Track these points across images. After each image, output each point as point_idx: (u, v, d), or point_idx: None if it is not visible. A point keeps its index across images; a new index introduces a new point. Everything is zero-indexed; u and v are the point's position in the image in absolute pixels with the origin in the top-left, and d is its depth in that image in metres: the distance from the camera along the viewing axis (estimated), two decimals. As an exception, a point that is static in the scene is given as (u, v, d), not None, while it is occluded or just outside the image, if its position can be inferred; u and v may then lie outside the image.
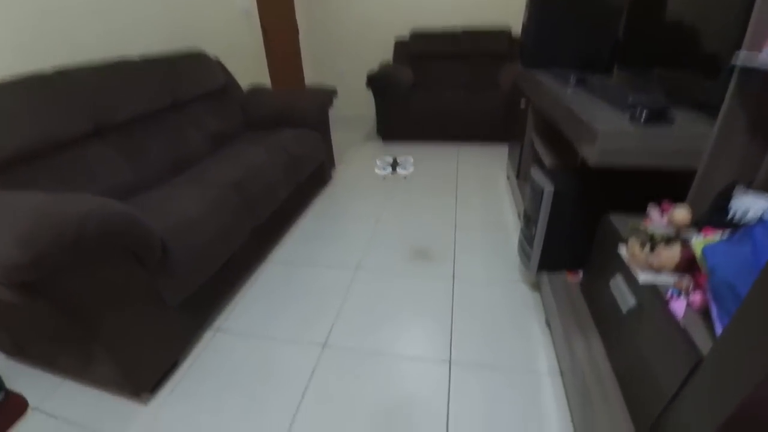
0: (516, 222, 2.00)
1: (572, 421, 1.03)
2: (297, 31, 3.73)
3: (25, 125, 1.26)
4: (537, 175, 1.22)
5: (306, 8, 3.84)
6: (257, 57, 3.06)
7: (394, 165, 1.23)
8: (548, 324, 1.29)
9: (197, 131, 1.96)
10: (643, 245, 0.88)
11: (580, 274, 1.28)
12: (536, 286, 1.50)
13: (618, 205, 1.10)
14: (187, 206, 1.31)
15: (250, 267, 1.71)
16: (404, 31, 3.75)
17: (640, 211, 1.04)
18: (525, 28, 1.97)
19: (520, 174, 2.08)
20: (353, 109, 4.20)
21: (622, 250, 0.96)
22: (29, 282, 0.84)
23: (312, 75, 4.12)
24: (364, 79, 3.19)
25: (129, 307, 1.06)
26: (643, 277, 0.85)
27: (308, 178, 2.17)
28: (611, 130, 0.94)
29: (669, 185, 1.11)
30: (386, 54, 3.85)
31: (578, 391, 0.98)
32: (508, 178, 2.50)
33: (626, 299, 0.90)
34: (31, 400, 1.17)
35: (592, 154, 0.96)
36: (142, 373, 1.12)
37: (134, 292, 1.07)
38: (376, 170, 1.21)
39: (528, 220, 1.31)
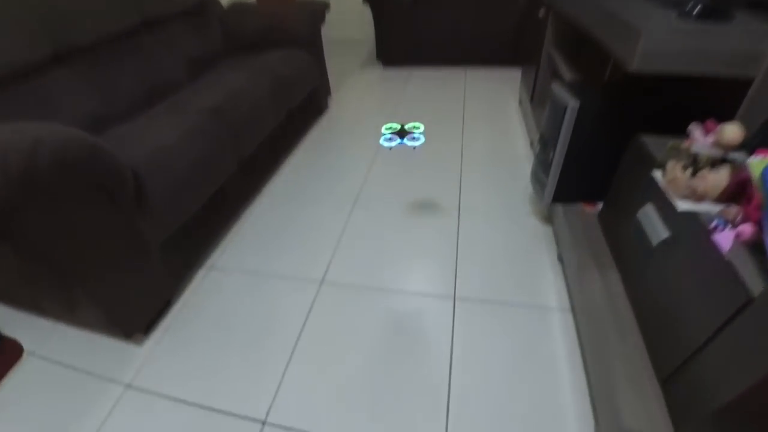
0: (527, 151, 1.85)
1: (584, 360, 0.98)
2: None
3: None
4: (559, 90, 1.05)
5: None
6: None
7: (402, 134, 1.07)
8: (560, 259, 1.21)
9: (172, 55, 1.74)
10: (684, 168, 0.75)
11: (599, 205, 1.16)
12: (548, 219, 1.39)
13: (653, 124, 0.95)
14: (161, 136, 1.17)
15: (242, 202, 1.61)
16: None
17: (678, 131, 0.90)
18: None
19: (534, 97, 1.89)
20: (350, 32, 3.83)
21: (657, 175, 0.83)
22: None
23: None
24: (360, -5, 2.85)
25: (105, 247, 0.98)
26: (683, 205, 0.74)
27: (301, 105, 1.98)
28: (656, 27, 0.77)
29: (714, 100, 0.95)
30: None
31: (592, 331, 0.92)
32: (520, 103, 2.29)
33: (658, 231, 0.79)
34: (26, 345, 1.14)
35: (631, 58, 0.79)
36: (131, 314, 1.07)
37: (109, 230, 0.98)
38: (381, 141, 1.06)
39: (545, 144, 1.17)
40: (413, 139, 1.08)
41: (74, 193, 0.87)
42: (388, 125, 1.15)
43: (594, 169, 1.08)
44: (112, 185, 0.94)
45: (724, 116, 0.84)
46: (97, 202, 0.93)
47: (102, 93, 1.40)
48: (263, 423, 0.91)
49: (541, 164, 1.19)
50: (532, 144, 1.84)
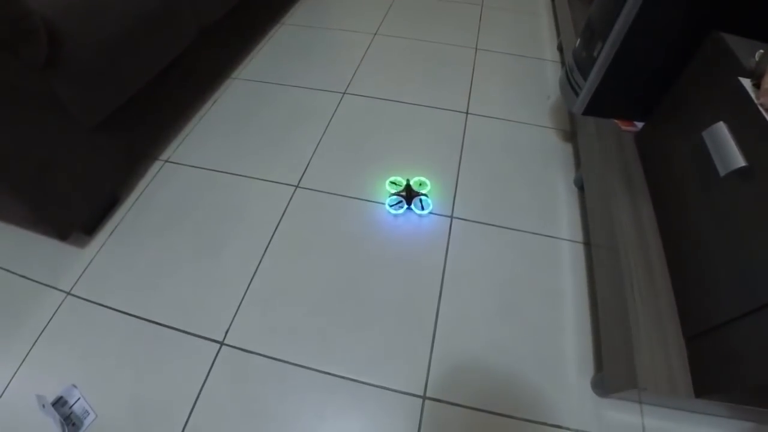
0: (554, 52, 1.55)
1: (594, 300, 0.86)
2: None
3: None
4: (628, -45, 0.76)
5: None
6: None
7: (410, 195, 0.78)
8: (578, 184, 1.03)
9: None
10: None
11: (637, 125, 0.95)
12: (570, 136, 1.18)
13: (736, 22, 0.70)
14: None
15: (207, 84, 1.34)
16: None
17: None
18: None
19: (575, -20, 1.52)
20: None
21: (747, 84, 0.61)
22: None
23: None
24: None
25: (22, 125, 0.76)
26: (784, 124, 0.54)
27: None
28: None
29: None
30: None
31: (609, 268, 0.78)
32: (551, -9, 1.89)
33: (729, 156, 0.60)
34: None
35: None
36: (65, 211, 0.89)
37: (20, 103, 0.75)
38: (387, 207, 0.76)
39: (591, 35, 0.90)
40: (421, 204, 0.84)
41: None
42: (393, 179, 0.89)
43: (649, 76, 0.85)
44: (14, 35, 0.68)
45: None
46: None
47: None
48: (220, 344, 0.80)
49: (580, 63, 0.94)
50: (560, 46, 1.53)
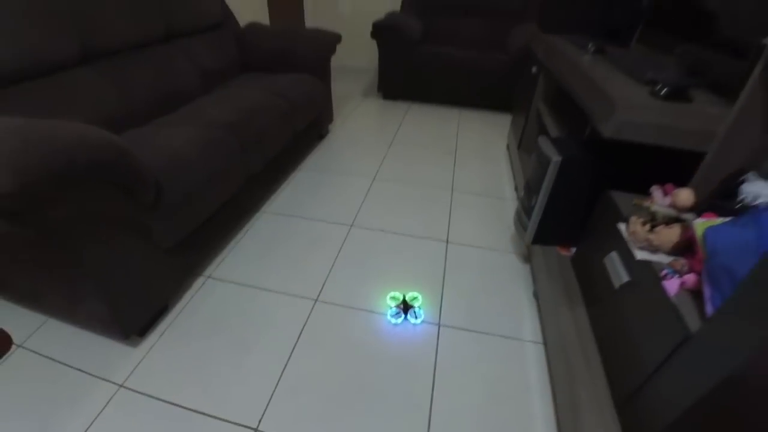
0: (512, 193, 2.00)
1: (552, 387, 1.07)
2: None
3: (2, 44, 1.16)
4: (545, 144, 1.19)
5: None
6: (257, -7, 2.87)
7: (406, 308, 1.21)
8: (536, 296, 1.32)
9: (190, 66, 1.85)
10: (644, 223, 0.88)
11: (573, 250, 1.29)
12: (527, 259, 1.52)
13: (622, 183, 1.09)
14: (181, 145, 1.26)
15: (243, 216, 1.69)
16: (415, -19, 3.53)
17: (642, 190, 1.04)
18: (545, -12, 1.87)
19: (522, 144, 2.05)
20: (353, 59, 4.03)
21: (622, 228, 0.96)
22: (15, 210, 0.81)
23: (311, 17, 3.90)
24: (366, 27, 3.03)
25: (119, 245, 1.04)
26: (641, 254, 0.86)
27: (305, 129, 2.10)
28: (629, 102, 0.92)
29: (674, 167, 1.10)
30: (392, 3, 3.65)
31: (560, 360, 1.02)
32: (508, 147, 2.46)
33: (620, 275, 0.91)
34: (16, 338, 1.16)
35: (607, 125, 0.94)
36: (131, 314, 1.12)
37: (125, 229, 1.05)
38: (389, 317, 1.18)
39: (529, 191, 1.30)
40: (415, 314, 1.22)
41: (100, 191, 0.94)
42: (392, 295, 1.28)
43: (572, 217, 1.21)
44: (136, 187, 1.01)
45: (682, 180, 0.99)
46: (119, 201, 1.00)
47: (121, 95, 1.49)
48: (255, 430, 0.96)
49: (525, 208, 1.32)
50: (516, 188, 1.99)
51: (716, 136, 0.90)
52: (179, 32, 1.85)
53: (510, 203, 1.91)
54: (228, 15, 2.25)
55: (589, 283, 1.10)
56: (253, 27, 2.32)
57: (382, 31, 2.92)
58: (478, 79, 3.01)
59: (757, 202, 0.66)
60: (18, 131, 0.79)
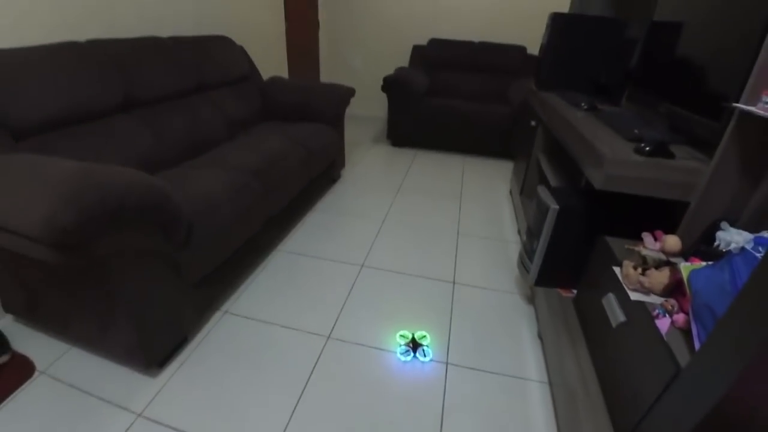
0: (515, 235, 2.08)
1: (557, 426, 1.10)
2: (318, 26, 3.80)
3: (57, 92, 1.31)
4: (544, 193, 1.30)
5: (328, 4, 3.91)
6: (278, 48, 3.13)
7: (415, 346, 1.31)
8: (540, 337, 1.37)
9: (218, 115, 2.02)
10: (636, 267, 0.96)
11: (574, 292, 1.36)
12: (531, 300, 1.58)
13: (617, 228, 1.18)
14: (211, 188, 1.38)
15: (260, 254, 1.78)
16: (421, 41, 3.84)
17: (635, 234, 1.12)
18: (543, 49, 2.06)
19: (524, 190, 2.17)
20: (364, 109, 4.28)
21: (617, 271, 1.04)
22: (66, 243, 0.90)
23: (327, 71, 4.20)
24: (377, 80, 3.27)
25: (150, 278, 1.13)
26: (635, 296, 0.93)
27: (320, 174, 2.23)
28: (617, 158, 1.03)
29: (665, 213, 1.19)
30: (401, 59, 3.94)
31: (565, 399, 1.06)
32: (510, 192, 2.58)
33: (616, 315, 0.98)
34: (38, 364, 1.21)
35: (597, 178, 1.04)
36: (156, 344, 1.18)
37: (157, 264, 1.13)
38: (398, 354, 1.29)
39: (531, 235, 1.39)
40: (423, 353, 1.30)
41: (140, 230, 1.04)
42: (402, 333, 1.37)
43: (570, 261, 1.29)
44: (171, 227, 1.12)
45: (670, 225, 1.08)
46: (154, 239, 1.10)
47: (156, 140, 1.64)
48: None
49: (527, 252, 1.41)
50: (519, 231, 2.08)
51: (697, 188, 1.00)
52: (210, 84, 2.05)
53: (513, 245, 1.99)
54: (253, 69, 2.47)
55: (590, 322, 1.16)
56: (275, 80, 2.54)
57: (391, 84, 3.16)
58: (482, 129, 3.20)
59: (729, 248, 0.74)
60: (78, 173, 0.91)
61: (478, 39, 3.69)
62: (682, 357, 0.75)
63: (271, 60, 3.02)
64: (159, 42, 1.79)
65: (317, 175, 2.17)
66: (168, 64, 1.78)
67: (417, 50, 3.78)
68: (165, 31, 1.95)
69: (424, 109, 3.25)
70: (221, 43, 2.19)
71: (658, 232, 1.08)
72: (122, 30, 1.75)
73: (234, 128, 2.11)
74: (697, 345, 0.74)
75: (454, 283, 1.68)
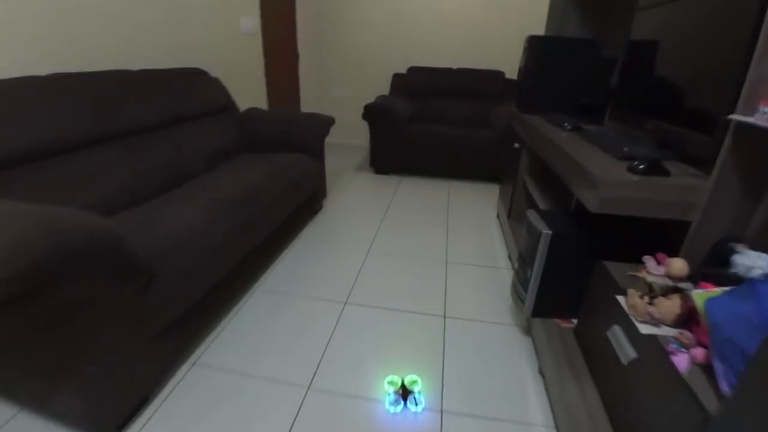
0: (506, 261, 2.00)
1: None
2: (297, 57, 3.80)
3: (21, 126, 1.24)
4: (534, 217, 1.22)
5: (307, 35, 3.93)
6: (257, 80, 3.09)
7: (405, 393, 1.21)
8: (542, 373, 1.26)
9: (196, 148, 1.94)
10: (642, 296, 0.87)
11: (574, 321, 1.26)
12: (528, 331, 1.47)
13: (614, 251, 1.10)
14: (181, 225, 1.27)
15: (235, 295, 1.64)
16: (401, 69, 3.87)
17: (634, 258, 1.04)
18: (522, 72, 2.05)
19: (511, 214, 2.10)
20: (346, 137, 4.25)
21: (621, 300, 0.95)
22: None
23: (308, 101, 4.17)
24: (358, 109, 3.25)
25: (103, 332, 0.99)
26: (645, 329, 0.84)
27: (300, 206, 2.14)
28: (610, 179, 0.96)
29: (664, 233, 1.12)
30: (381, 88, 3.95)
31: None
32: (498, 216, 2.52)
33: (626, 351, 0.88)
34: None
35: (591, 201, 0.97)
36: (110, 408, 1.03)
37: (111, 315, 1.00)
38: (387, 405, 1.18)
39: (523, 263, 1.30)
40: (415, 401, 1.19)
41: (88, 277, 0.92)
42: (390, 379, 1.26)
43: (570, 288, 1.20)
44: (125, 275, 0.99)
45: (670, 246, 1.00)
46: (107, 287, 0.97)
47: (130, 174, 1.54)
48: None
49: (520, 281, 1.31)
50: (510, 257, 2.00)
51: (698, 206, 0.93)
52: (187, 116, 1.97)
53: (505, 272, 1.90)
54: (230, 100, 2.40)
55: (595, 357, 1.06)
56: (252, 111, 2.48)
57: (372, 112, 3.13)
58: (466, 153, 3.17)
59: (751, 275, 0.66)
60: (17, 216, 0.80)
61: (457, 65, 3.73)
62: (708, 400, 0.65)
63: (250, 92, 2.97)
64: (131, 76, 1.72)
65: (298, 206, 2.08)
66: (141, 96, 1.70)
67: (397, 78, 3.80)
68: (137, 64, 1.88)
69: (408, 136, 3.22)
70: (197, 76, 2.13)
71: (661, 255, 1.00)
72: (93, 62, 1.68)
73: (212, 161, 2.02)
74: (724, 387, 0.65)
75: (445, 317, 1.57)
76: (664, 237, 1.13)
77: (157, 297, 1.10)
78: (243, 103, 2.61)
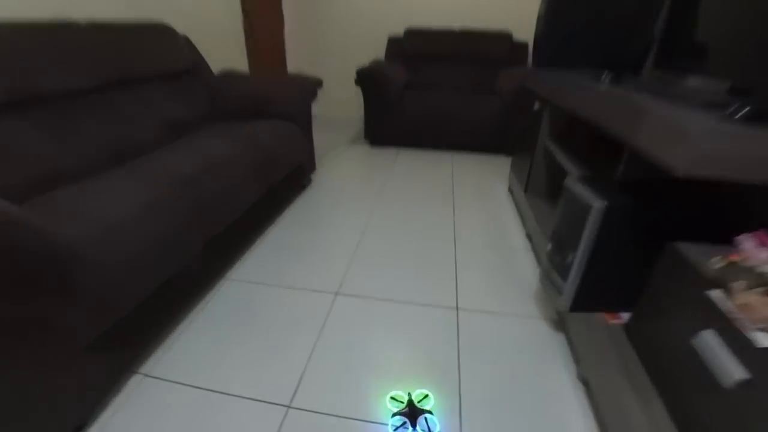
0: (523, 241, 1.74)
1: None
2: (282, 22, 3.43)
3: None
4: (577, 188, 0.95)
5: (292, -1, 3.54)
6: (235, 42, 2.74)
7: (414, 414, 0.91)
8: (584, 381, 1.01)
9: (150, 116, 1.62)
10: (756, 292, 0.61)
11: (622, 316, 1.01)
12: (560, 325, 1.22)
13: (687, 232, 0.84)
14: (115, 208, 0.98)
15: (201, 287, 1.37)
16: (397, 30, 3.50)
17: (711, 238, 0.79)
18: (540, 21, 1.74)
19: (529, 188, 1.83)
20: (339, 111, 3.91)
21: (717, 297, 0.69)
22: None
23: (296, 68, 3.81)
24: (351, 79, 2.91)
25: (16, 349, 0.72)
26: (765, 338, 0.58)
27: (283, 180, 1.84)
28: (705, 130, 0.68)
29: (754, 210, 0.86)
30: (377, 53, 3.60)
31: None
32: (510, 190, 2.24)
33: (729, 369, 0.62)
34: None
35: (679, 160, 0.69)
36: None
37: (26, 326, 0.73)
38: (390, 431, 0.88)
39: (560, 246, 1.03)
40: (427, 425, 0.90)
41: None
42: (394, 395, 0.98)
43: (622, 277, 0.94)
44: (41, 273, 0.72)
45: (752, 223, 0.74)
46: (18, 289, 0.69)
47: (62, 147, 1.24)
48: None
49: (557, 267, 1.05)
50: (528, 235, 1.73)
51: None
52: (137, 78, 1.64)
53: (523, 254, 1.64)
54: (200, 61, 2.06)
55: (667, 369, 0.81)
56: (227, 74, 2.14)
57: (366, 77, 2.80)
58: (470, 123, 2.86)
59: None
60: None
61: (459, 26, 3.37)
62: None
63: (227, 54, 2.62)
64: (65, 26, 1.38)
65: (279, 181, 1.78)
66: (75, 53, 1.37)
67: (392, 42, 3.44)
68: (82, 13, 1.54)
69: (406, 103, 2.90)
70: (155, 31, 1.78)
71: (762, 234, 0.74)
72: (23, 5, 1.35)
73: (172, 132, 1.70)
74: None
75: (457, 309, 1.31)
76: (739, 211, 0.87)
77: (85, 299, 0.82)
78: (219, 65, 2.27)
